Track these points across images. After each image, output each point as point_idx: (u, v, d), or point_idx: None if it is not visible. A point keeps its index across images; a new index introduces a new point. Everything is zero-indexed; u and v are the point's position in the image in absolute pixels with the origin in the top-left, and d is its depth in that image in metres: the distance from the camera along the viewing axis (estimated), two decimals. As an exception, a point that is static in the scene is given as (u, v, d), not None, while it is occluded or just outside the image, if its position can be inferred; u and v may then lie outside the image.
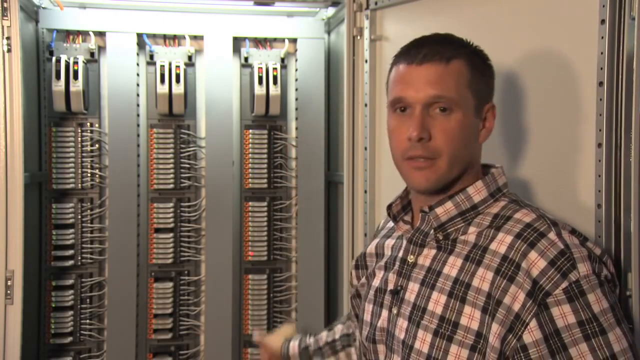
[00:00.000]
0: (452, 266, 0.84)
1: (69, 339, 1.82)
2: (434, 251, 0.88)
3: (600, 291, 0.74)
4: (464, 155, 0.88)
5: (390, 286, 0.93)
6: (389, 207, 0.99)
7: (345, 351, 1.27)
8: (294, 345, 1.35)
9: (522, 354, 0.74)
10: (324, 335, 1.30)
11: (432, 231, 0.88)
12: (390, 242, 0.99)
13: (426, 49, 0.87)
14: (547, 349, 0.73)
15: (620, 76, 0.91)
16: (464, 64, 0.87)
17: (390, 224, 1.03)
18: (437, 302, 0.84)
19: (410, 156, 0.86)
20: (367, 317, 0.99)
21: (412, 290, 0.89)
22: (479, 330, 0.79)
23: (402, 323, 0.89)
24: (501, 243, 0.81)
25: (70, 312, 1.82)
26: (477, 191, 0.86)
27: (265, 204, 1.90)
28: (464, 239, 0.85)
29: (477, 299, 0.80)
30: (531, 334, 0.74)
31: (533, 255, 0.77)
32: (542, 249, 0.77)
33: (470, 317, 0.80)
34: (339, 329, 1.29)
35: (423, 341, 0.84)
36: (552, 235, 0.79)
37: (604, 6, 0.92)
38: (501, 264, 0.79)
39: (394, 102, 0.88)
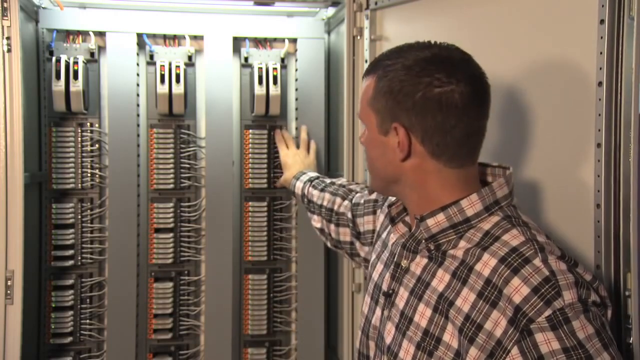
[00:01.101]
0: (440, 280, 0.83)
1: (69, 339, 1.82)
2: (425, 260, 0.87)
3: (584, 317, 0.72)
4: (380, 170, 0.91)
5: (385, 287, 0.94)
6: (390, 207, 1.00)
7: (326, 223, 1.41)
8: (298, 186, 1.59)
9: None
10: (316, 195, 1.48)
11: (424, 241, 0.87)
12: (393, 238, 0.99)
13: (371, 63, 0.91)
14: None
15: (619, 76, 0.91)
16: (373, 80, 0.88)
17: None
18: (422, 315, 0.83)
19: None
20: (365, 308, 1.01)
21: (402, 296, 0.89)
22: (458, 349, 0.78)
23: (390, 328, 0.89)
24: (485, 265, 0.79)
25: (70, 312, 1.82)
26: (470, 204, 0.83)
27: (265, 204, 1.90)
28: (453, 253, 0.84)
29: (457, 318, 0.79)
30: None
31: (516, 281, 0.75)
32: (525, 275, 0.75)
33: (452, 335, 0.79)
34: (326, 199, 1.43)
35: (407, 352, 0.84)
36: (537, 261, 0.76)
37: (603, 6, 0.92)
38: (484, 287, 0.77)
39: None
